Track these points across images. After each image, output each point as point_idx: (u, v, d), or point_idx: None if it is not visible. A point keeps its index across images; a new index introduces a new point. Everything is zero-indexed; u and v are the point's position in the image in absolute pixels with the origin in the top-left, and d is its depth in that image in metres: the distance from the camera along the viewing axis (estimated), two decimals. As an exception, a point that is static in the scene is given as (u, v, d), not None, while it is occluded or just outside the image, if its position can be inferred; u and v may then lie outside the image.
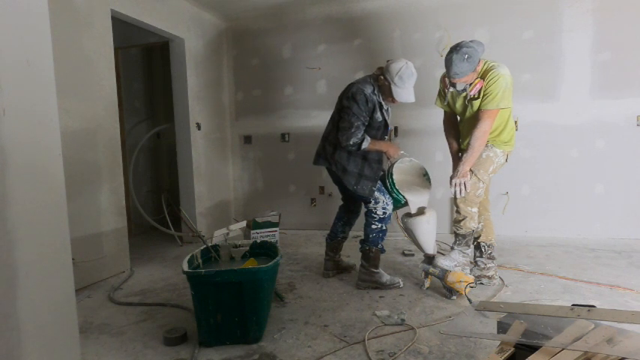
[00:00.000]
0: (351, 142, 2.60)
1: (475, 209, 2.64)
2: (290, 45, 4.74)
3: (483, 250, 2.78)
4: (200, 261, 2.31)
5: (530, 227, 4.08)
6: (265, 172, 4.98)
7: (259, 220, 3.88)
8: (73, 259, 1.64)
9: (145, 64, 5.16)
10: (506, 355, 1.34)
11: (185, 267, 2.03)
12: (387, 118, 2.80)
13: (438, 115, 4.28)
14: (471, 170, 2.58)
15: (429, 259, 2.74)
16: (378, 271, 2.75)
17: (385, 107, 2.77)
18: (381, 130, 2.79)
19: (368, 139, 2.65)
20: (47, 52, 1.51)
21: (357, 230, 4.52)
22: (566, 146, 3.97)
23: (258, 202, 4.99)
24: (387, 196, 2.77)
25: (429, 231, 2.75)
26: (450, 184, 2.61)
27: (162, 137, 5.16)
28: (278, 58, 4.79)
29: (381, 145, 2.73)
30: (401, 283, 2.73)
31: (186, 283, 2.09)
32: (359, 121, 2.60)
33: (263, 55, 4.85)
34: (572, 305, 1.52)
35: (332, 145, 2.77)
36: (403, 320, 2.21)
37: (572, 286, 2.68)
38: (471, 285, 2.43)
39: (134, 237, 4.34)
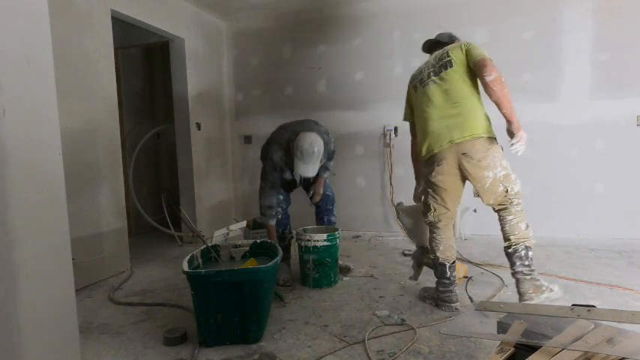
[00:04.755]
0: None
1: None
2: (290, 45, 4.74)
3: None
4: (200, 261, 2.31)
5: (530, 227, 4.07)
6: (265, 172, 4.97)
7: (259, 220, 3.87)
8: (73, 259, 1.64)
9: (145, 64, 5.16)
10: (506, 355, 1.33)
11: (185, 267, 2.03)
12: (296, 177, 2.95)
13: (438, 115, 4.29)
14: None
15: (422, 250, 2.69)
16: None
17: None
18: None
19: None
20: (47, 52, 1.51)
21: (356, 230, 4.53)
22: (566, 146, 3.97)
23: (258, 202, 4.98)
24: None
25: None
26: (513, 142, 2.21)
27: (162, 137, 5.16)
28: (278, 58, 4.79)
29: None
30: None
31: (186, 283, 2.09)
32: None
33: (263, 55, 4.85)
34: (572, 305, 1.52)
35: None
36: (403, 320, 2.21)
37: (572, 286, 2.67)
38: (467, 276, 2.41)
39: (134, 237, 4.34)
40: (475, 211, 4.07)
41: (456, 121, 2.27)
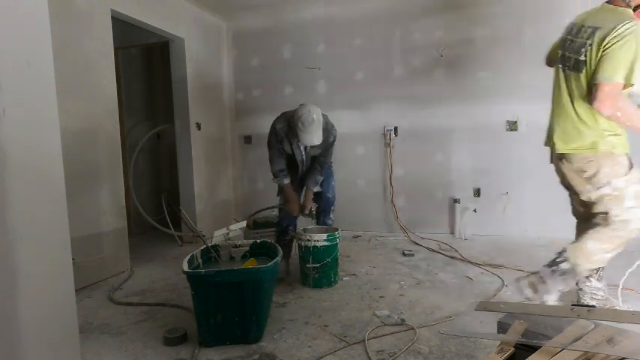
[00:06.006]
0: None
1: None
2: (290, 45, 4.74)
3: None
4: (200, 261, 2.31)
5: (530, 227, 4.07)
6: (265, 172, 4.95)
7: (259, 220, 3.88)
8: (73, 259, 1.64)
9: (145, 64, 5.16)
10: (506, 355, 1.33)
11: (185, 267, 2.03)
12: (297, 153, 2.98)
13: (437, 115, 4.30)
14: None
15: None
16: None
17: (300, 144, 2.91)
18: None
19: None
20: (47, 52, 1.51)
21: (356, 230, 4.53)
22: (566, 146, 3.96)
23: (258, 202, 4.98)
24: None
25: None
26: None
27: (162, 137, 5.16)
28: (278, 58, 4.79)
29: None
30: None
31: (186, 283, 2.09)
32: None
33: (263, 55, 4.85)
34: (572, 305, 1.52)
35: None
36: (403, 320, 2.21)
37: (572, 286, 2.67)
38: None
39: (134, 237, 4.33)
40: (475, 211, 4.07)
41: (565, 132, 2.03)
